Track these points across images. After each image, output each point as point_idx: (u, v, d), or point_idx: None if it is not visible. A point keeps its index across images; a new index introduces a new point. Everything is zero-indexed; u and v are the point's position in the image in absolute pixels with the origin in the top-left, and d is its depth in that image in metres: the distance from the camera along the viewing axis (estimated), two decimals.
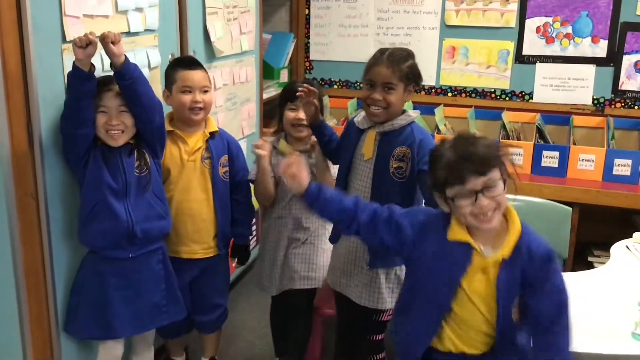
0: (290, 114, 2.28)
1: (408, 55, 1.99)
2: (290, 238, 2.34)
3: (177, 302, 2.15)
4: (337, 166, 2.23)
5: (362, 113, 2.08)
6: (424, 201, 2.00)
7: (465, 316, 1.61)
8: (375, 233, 1.68)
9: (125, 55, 1.85)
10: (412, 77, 1.98)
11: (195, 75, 2.17)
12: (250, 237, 2.46)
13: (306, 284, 2.36)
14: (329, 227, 2.35)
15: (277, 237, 2.36)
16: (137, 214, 1.95)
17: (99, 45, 1.79)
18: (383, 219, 1.67)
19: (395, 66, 1.94)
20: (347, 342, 2.27)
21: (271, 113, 2.38)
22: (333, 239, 2.20)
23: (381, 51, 1.99)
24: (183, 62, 2.22)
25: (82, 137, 1.87)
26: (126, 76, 1.85)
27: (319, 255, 2.36)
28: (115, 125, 1.91)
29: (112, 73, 1.90)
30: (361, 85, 3.93)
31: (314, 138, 2.26)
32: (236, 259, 2.46)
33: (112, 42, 1.81)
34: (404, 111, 2.02)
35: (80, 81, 1.79)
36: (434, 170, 1.56)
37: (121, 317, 1.98)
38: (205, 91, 2.19)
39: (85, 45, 1.74)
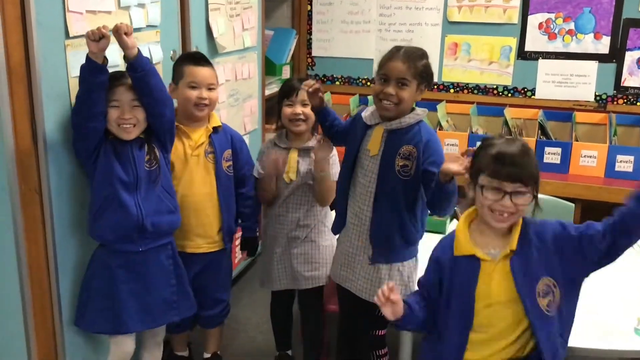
0: (287, 110, 2.30)
1: (423, 54, 2.01)
2: (289, 237, 2.36)
3: (188, 298, 2.15)
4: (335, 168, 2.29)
5: (370, 108, 2.09)
6: (426, 201, 2.01)
7: (491, 328, 1.63)
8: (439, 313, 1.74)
9: (137, 48, 1.87)
10: (426, 76, 1.99)
11: (202, 72, 2.19)
12: (258, 230, 2.47)
13: (310, 284, 2.38)
14: (328, 223, 2.36)
15: (274, 234, 2.38)
16: (147, 207, 1.96)
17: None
18: (429, 300, 1.74)
19: (411, 62, 1.95)
20: (348, 337, 2.28)
21: (273, 109, 2.40)
22: (335, 229, 2.21)
23: (397, 48, 2.00)
24: (192, 58, 2.24)
25: (93, 131, 1.87)
26: (139, 69, 1.87)
27: (320, 252, 2.37)
28: (128, 119, 1.92)
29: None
30: (363, 81, 3.93)
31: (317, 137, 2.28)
32: (245, 252, 2.49)
33: (125, 34, 1.82)
34: (412, 109, 2.03)
35: (94, 74, 1.80)
36: (481, 154, 1.62)
37: (130, 311, 1.99)
38: (211, 88, 2.21)
39: (98, 38, 1.76)
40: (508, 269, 1.61)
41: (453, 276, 1.67)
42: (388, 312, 1.66)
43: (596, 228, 1.58)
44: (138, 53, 1.86)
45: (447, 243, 1.72)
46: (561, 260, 1.61)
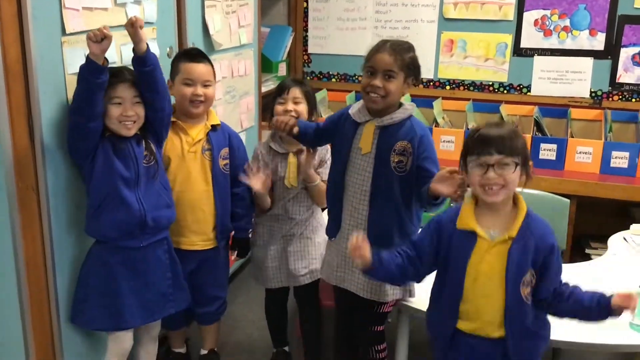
0: (278, 108, 2.30)
1: (410, 47, 2.00)
2: (285, 236, 2.36)
3: (183, 291, 2.16)
4: (324, 174, 2.28)
5: (357, 105, 2.07)
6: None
7: (476, 302, 1.69)
8: (419, 277, 1.84)
9: (146, 43, 1.88)
10: (413, 68, 1.98)
11: (197, 68, 2.18)
12: (250, 231, 2.47)
13: (308, 279, 2.39)
14: (322, 219, 2.36)
15: (269, 232, 2.39)
16: (148, 203, 1.97)
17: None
18: (413, 264, 1.79)
19: (398, 55, 1.94)
20: (346, 333, 2.28)
21: (270, 106, 2.40)
22: (331, 233, 2.16)
23: (384, 41, 1.99)
24: (188, 54, 2.24)
25: (93, 130, 1.87)
26: (148, 63, 1.88)
27: (316, 248, 2.38)
28: (131, 116, 1.92)
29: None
30: (360, 78, 3.93)
31: None
32: (236, 252, 2.48)
33: (140, 27, 1.83)
34: (400, 104, 2.02)
35: (95, 74, 1.80)
36: (468, 141, 1.70)
37: (130, 307, 1.99)
38: (207, 85, 2.21)
39: (100, 39, 1.75)
40: (504, 253, 1.65)
41: (450, 247, 1.72)
42: (358, 261, 1.74)
43: (560, 289, 1.69)
44: (147, 47, 1.87)
45: (452, 214, 1.76)
46: (541, 267, 1.68)
